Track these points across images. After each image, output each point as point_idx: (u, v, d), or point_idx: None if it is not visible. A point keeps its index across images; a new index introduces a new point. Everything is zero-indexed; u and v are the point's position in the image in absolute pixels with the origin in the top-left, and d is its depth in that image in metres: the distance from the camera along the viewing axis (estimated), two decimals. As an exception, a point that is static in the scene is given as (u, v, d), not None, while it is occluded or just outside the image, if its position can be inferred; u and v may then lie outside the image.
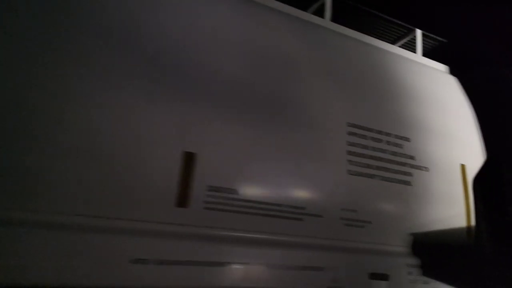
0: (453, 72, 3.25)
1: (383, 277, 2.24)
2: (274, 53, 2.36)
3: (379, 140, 2.54)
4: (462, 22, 3.27)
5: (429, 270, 2.46)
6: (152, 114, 1.87)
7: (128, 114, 1.82)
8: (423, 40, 3.53)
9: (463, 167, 2.86)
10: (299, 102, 2.33)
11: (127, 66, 1.88)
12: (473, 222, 2.77)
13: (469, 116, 3.09)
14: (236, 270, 1.87)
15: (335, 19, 2.92)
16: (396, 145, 2.60)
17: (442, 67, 3.29)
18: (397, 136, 2.62)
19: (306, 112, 2.33)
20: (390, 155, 2.55)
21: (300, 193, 2.16)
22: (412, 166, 2.62)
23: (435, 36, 3.64)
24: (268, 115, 2.18)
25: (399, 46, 3.56)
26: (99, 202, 1.68)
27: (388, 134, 2.59)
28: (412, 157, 2.64)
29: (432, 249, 2.49)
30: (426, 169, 2.66)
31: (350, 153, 2.39)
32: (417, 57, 3.30)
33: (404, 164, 2.59)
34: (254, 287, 1.90)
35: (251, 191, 2.01)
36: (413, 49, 3.40)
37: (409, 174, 2.59)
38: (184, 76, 2.00)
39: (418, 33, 3.49)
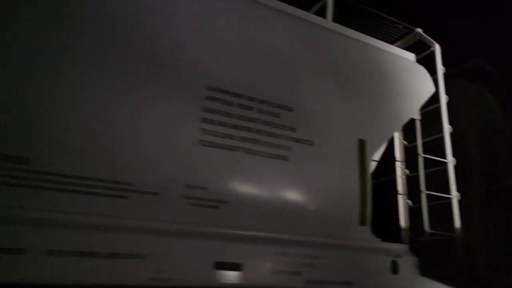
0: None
1: (233, 266, 1.87)
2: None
3: (250, 108, 2.16)
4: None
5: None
6: None
7: None
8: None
9: (362, 142, 2.50)
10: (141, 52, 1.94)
11: None
12: (368, 204, 2.41)
13: (373, 86, 2.72)
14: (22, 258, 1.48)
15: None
16: (272, 114, 2.22)
17: (346, 32, 2.90)
18: (274, 104, 2.24)
19: (152, 67, 1.94)
20: (262, 125, 2.17)
21: (126, 165, 1.77)
22: (291, 139, 2.24)
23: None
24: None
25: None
26: None
27: (262, 102, 2.21)
28: (292, 129, 2.26)
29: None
30: (310, 143, 2.29)
31: (205, 120, 2.01)
32: (327, 22, 2.92)
33: (280, 137, 2.21)
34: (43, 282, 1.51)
35: (50, 160, 1.62)
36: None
37: (287, 147, 2.21)
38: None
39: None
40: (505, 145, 4.65)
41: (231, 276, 1.85)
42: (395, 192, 2.92)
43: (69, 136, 1.67)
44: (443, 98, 3.13)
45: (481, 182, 4.17)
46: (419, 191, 2.90)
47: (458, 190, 2.89)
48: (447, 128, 3.04)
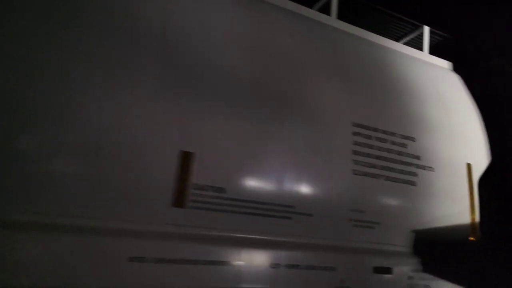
0: (456, 68, 3.02)
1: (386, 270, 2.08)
2: (279, 51, 2.20)
3: (385, 140, 2.36)
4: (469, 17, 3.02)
5: (430, 267, 2.30)
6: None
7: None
8: (430, 36, 3.30)
9: (469, 166, 2.66)
10: (304, 101, 2.15)
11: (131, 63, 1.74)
12: (477, 220, 2.58)
13: (473, 113, 2.88)
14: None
15: (341, 17, 2.73)
16: (401, 145, 2.42)
17: (447, 65, 3.07)
18: (402, 136, 2.44)
19: (311, 111, 2.16)
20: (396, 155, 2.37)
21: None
22: (418, 166, 2.43)
23: (439, 32, 3.39)
24: (268, 112, 2.01)
25: (405, 43, 3.36)
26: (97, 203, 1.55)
27: (393, 134, 2.41)
28: (417, 157, 2.45)
29: (434, 246, 2.33)
30: (431, 169, 2.47)
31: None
32: (423, 54, 3.09)
33: (409, 164, 2.40)
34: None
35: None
36: (418, 46, 3.19)
37: (414, 174, 2.40)
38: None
39: (426, 30, 3.27)
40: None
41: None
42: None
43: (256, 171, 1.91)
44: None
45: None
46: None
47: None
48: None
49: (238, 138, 1.88)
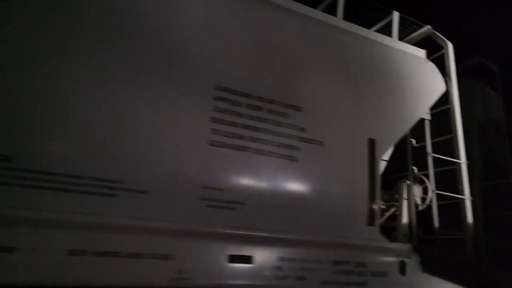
0: None
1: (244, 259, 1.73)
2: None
3: (259, 108, 2.01)
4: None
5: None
6: None
7: None
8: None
9: (371, 141, 2.32)
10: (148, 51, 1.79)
11: None
12: (376, 204, 2.24)
13: (381, 85, 2.54)
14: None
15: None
16: (282, 114, 2.07)
17: (356, 30, 2.73)
18: (284, 104, 2.09)
19: (159, 66, 1.80)
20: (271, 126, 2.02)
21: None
22: (302, 139, 2.08)
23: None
24: (82, 52, 1.64)
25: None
26: None
27: (271, 102, 2.06)
28: (302, 129, 2.10)
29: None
30: (319, 143, 2.13)
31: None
32: (334, 19, 2.74)
33: (290, 137, 2.05)
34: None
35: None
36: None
37: (296, 147, 2.05)
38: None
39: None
40: (506, 143, 4.34)
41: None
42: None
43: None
44: (456, 99, 2.93)
45: (481, 180, 3.89)
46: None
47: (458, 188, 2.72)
48: (460, 129, 2.85)
49: (35, 88, 1.51)
